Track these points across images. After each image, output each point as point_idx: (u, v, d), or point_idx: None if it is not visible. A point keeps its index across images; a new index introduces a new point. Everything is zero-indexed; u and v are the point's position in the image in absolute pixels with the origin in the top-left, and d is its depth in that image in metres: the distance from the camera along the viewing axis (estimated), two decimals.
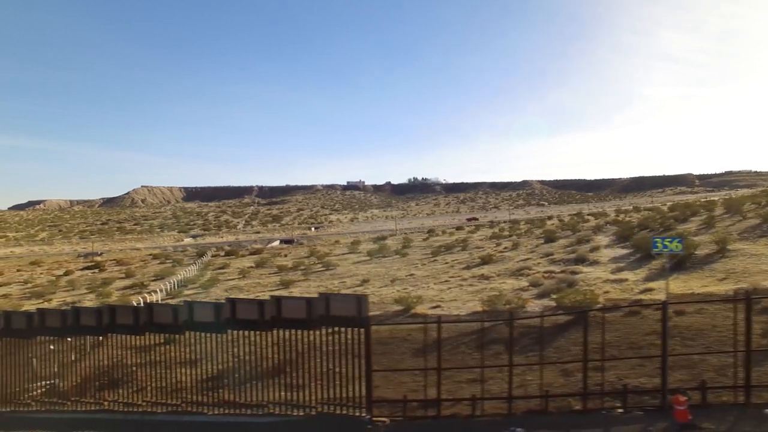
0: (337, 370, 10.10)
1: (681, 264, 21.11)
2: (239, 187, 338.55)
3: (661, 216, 44.73)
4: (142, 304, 15.60)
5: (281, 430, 9.89)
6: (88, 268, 54.53)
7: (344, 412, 9.99)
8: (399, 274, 30.85)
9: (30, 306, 26.55)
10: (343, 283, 30.04)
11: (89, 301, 29.36)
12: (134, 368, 12.12)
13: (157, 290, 30.91)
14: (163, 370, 11.31)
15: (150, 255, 67.95)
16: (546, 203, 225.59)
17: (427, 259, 37.72)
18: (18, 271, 56.88)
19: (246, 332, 10.70)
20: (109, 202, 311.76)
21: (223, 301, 11.10)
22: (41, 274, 52.31)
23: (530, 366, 11.17)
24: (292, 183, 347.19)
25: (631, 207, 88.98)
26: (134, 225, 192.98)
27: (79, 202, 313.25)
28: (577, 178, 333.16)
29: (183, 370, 11.54)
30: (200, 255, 59.62)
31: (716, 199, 71.25)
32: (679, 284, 18.30)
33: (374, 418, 9.84)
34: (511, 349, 10.59)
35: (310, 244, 71.55)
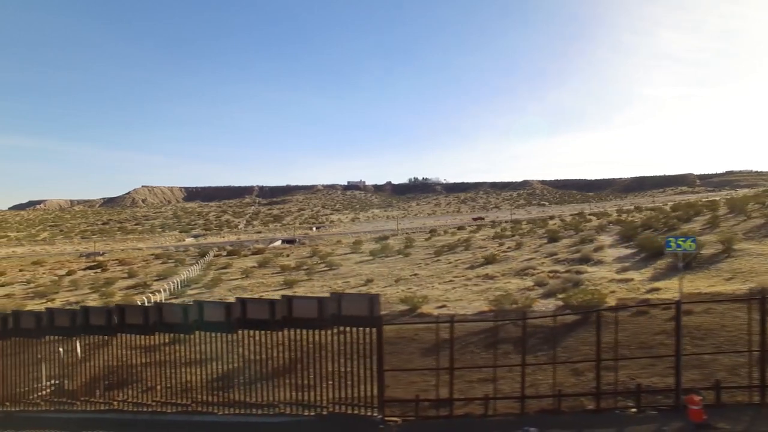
0: (348, 369, 10.06)
1: (687, 264, 21.04)
2: (240, 187, 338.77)
3: (665, 216, 44.63)
4: (147, 304, 15.57)
5: (292, 431, 9.84)
6: (90, 267, 54.59)
7: (356, 412, 9.94)
8: (403, 274, 30.82)
9: (33, 306, 26.54)
10: (347, 282, 30.02)
11: (92, 301, 29.34)
12: (140, 368, 12.08)
13: (161, 290, 30.92)
14: (172, 370, 11.27)
15: (152, 255, 68.01)
16: (547, 203, 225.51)
17: (430, 259, 37.72)
18: (20, 270, 56.92)
19: (256, 332, 10.66)
20: (109, 202, 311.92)
21: (231, 300, 11.05)
22: (44, 273, 52.34)
23: (540, 366, 11.12)
24: (293, 183, 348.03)
25: (633, 207, 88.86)
26: (135, 225, 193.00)
27: (79, 202, 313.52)
28: (578, 178, 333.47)
29: (192, 370, 11.50)
30: (202, 255, 59.68)
31: (718, 198, 71.11)
32: (686, 284, 18.22)
33: (386, 418, 9.78)
34: (524, 348, 10.54)
35: (312, 243, 71.57)
